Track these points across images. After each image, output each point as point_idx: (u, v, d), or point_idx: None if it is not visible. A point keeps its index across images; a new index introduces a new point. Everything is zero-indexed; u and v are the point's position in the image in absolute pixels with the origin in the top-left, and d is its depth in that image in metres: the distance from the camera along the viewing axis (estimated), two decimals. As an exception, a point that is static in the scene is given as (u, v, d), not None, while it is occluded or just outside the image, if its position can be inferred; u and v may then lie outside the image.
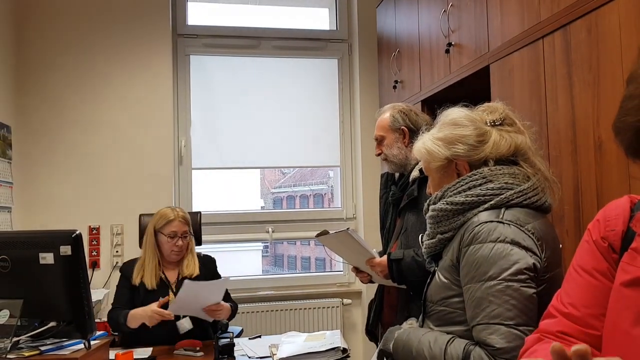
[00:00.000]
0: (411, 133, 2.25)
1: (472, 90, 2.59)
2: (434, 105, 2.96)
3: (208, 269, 2.71)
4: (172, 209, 2.67)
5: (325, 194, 5.00)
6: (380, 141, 2.34)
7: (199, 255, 2.73)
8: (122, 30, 3.75)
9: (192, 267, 2.62)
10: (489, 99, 2.29)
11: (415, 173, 2.15)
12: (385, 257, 2.14)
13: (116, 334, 2.63)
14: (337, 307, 3.94)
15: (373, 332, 2.40)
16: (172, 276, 2.62)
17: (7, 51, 3.47)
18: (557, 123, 1.91)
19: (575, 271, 1.01)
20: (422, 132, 1.54)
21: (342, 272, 4.15)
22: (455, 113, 1.48)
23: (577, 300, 0.98)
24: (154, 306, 2.36)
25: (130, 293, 2.59)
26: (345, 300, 3.99)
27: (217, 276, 2.75)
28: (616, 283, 0.92)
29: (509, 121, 1.45)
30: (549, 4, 1.94)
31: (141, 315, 2.39)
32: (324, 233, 2.21)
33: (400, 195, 2.27)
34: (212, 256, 2.82)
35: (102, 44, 3.72)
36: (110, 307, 2.63)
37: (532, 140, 1.46)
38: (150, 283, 2.53)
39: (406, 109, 2.32)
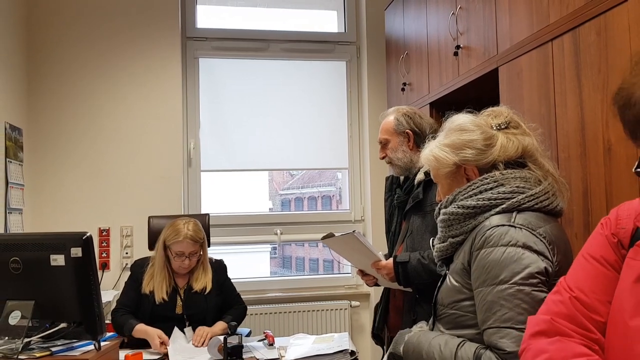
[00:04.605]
0: (416, 136, 2.25)
1: (481, 92, 2.59)
2: (442, 107, 2.96)
3: (220, 275, 2.73)
4: (186, 222, 2.61)
5: (333, 195, 5.00)
6: (384, 144, 2.33)
7: (210, 261, 2.74)
8: (132, 34, 3.78)
9: (202, 281, 2.63)
10: (497, 102, 2.29)
11: (420, 176, 2.15)
12: (391, 259, 2.14)
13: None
14: (345, 309, 3.94)
15: (379, 335, 2.40)
16: (181, 282, 2.64)
17: (19, 56, 3.50)
18: (566, 126, 1.90)
19: (585, 259, 1.06)
20: (428, 140, 1.55)
21: (350, 275, 4.15)
22: (460, 119, 1.49)
23: (585, 286, 1.03)
24: (156, 341, 2.38)
25: (137, 296, 2.61)
26: (354, 303, 3.99)
27: (227, 282, 2.77)
28: (629, 281, 0.95)
29: (514, 124, 1.46)
30: (557, 6, 1.94)
31: (146, 336, 2.44)
32: (330, 236, 2.21)
33: (406, 198, 2.27)
34: (223, 262, 2.83)
35: (112, 47, 3.75)
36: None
37: (539, 142, 1.47)
38: (159, 295, 2.56)
39: (410, 112, 2.32)
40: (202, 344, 2.40)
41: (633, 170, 0.93)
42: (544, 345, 1.01)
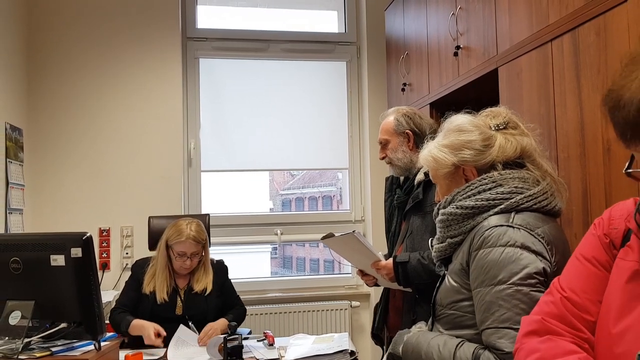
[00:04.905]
0: (415, 136, 2.26)
1: (481, 93, 2.59)
2: (442, 108, 2.96)
3: (220, 276, 2.73)
4: (188, 223, 2.62)
5: (333, 195, 5.00)
6: (384, 145, 2.34)
7: (211, 262, 2.74)
8: (133, 34, 3.78)
9: (203, 282, 2.63)
10: (497, 102, 2.29)
11: (420, 176, 2.15)
12: (391, 259, 2.15)
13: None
14: (346, 309, 3.94)
15: (379, 335, 2.40)
16: (182, 283, 2.65)
17: (19, 56, 3.51)
18: (566, 126, 1.91)
19: (577, 259, 1.08)
20: (427, 140, 1.55)
21: (350, 275, 4.15)
22: (459, 119, 1.50)
23: (576, 286, 1.04)
24: (151, 331, 2.38)
25: (137, 296, 2.61)
26: (354, 303, 3.99)
27: (227, 284, 2.76)
28: (617, 282, 0.97)
29: (512, 124, 1.47)
30: (557, 7, 1.94)
31: (142, 330, 2.43)
32: (330, 236, 2.22)
33: (406, 198, 2.27)
34: (224, 263, 2.83)
35: (112, 47, 3.76)
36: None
37: (537, 142, 1.47)
38: (160, 296, 2.56)
39: (410, 112, 2.33)
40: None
41: (623, 171, 0.93)
42: (535, 344, 1.02)
